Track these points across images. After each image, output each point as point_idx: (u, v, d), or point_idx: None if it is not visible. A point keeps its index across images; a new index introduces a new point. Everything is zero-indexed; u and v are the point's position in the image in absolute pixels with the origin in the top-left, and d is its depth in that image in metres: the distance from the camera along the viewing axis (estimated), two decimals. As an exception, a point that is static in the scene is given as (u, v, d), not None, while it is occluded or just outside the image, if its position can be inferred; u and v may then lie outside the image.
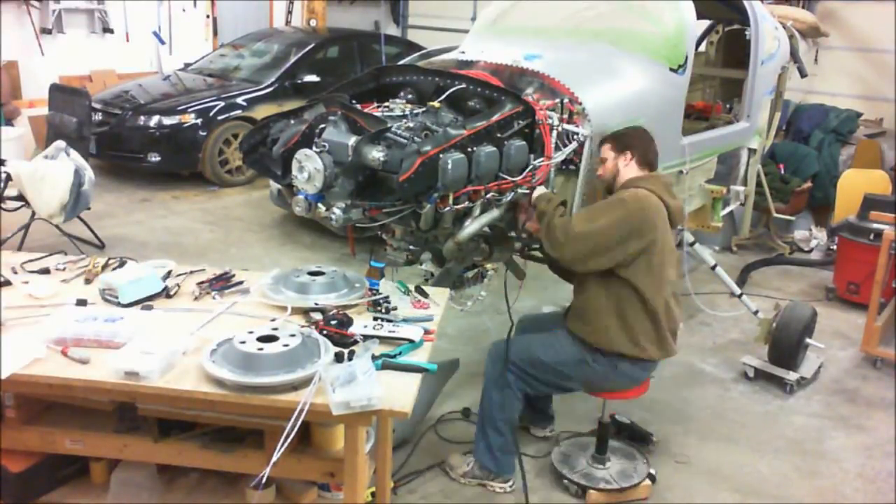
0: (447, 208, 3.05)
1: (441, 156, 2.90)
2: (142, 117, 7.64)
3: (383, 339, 2.50)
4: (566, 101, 3.47)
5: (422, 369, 2.38)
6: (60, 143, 5.59)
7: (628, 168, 3.20)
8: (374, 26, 12.39)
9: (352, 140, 2.90)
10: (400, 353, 2.44)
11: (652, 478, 3.44)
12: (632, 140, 3.23)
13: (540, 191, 3.24)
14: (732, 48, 6.10)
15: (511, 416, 3.27)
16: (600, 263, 2.99)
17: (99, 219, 6.41)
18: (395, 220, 3.12)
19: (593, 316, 3.11)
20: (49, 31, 9.17)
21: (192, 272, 3.00)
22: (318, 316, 2.60)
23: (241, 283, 2.91)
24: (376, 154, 2.88)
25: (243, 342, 2.28)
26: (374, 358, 2.32)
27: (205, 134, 7.73)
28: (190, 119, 7.69)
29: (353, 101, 3.24)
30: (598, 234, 2.96)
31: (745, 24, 4.92)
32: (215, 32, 10.85)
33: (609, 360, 3.12)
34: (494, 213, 3.29)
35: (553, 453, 3.57)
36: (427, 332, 2.59)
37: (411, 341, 2.50)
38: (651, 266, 3.01)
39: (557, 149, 3.38)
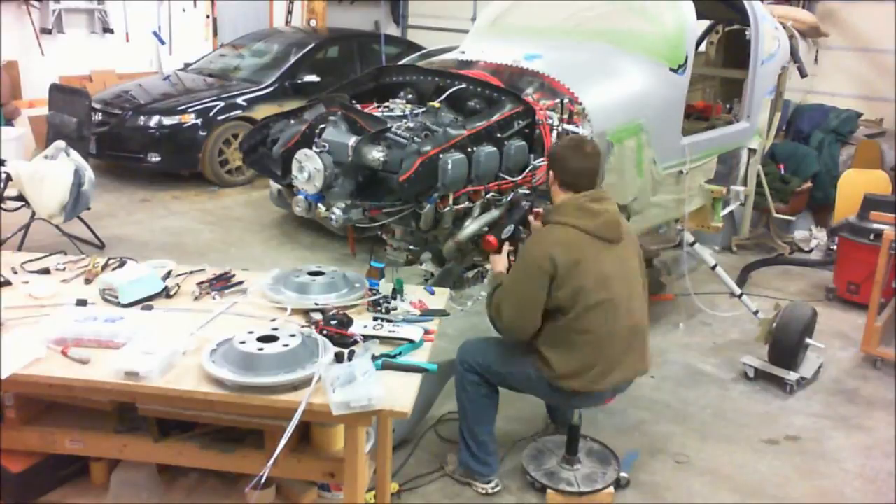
0: (447, 208, 3.05)
1: (441, 156, 2.91)
2: (142, 117, 7.64)
3: (383, 339, 2.50)
4: (566, 101, 3.47)
5: (422, 369, 2.38)
6: (60, 143, 5.59)
7: (554, 189, 3.05)
8: (374, 26, 12.39)
9: (352, 140, 2.91)
10: (400, 353, 2.44)
11: (619, 483, 3.36)
12: (554, 158, 3.04)
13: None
14: (732, 48, 6.10)
15: (485, 419, 3.24)
16: (538, 318, 2.95)
17: (99, 219, 6.41)
18: (395, 220, 3.13)
19: (535, 338, 3.04)
20: (49, 31, 9.17)
21: (192, 272, 3.00)
22: (318, 316, 2.60)
23: (240, 283, 2.91)
24: (376, 154, 2.88)
25: (243, 342, 2.28)
26: (374, 358, 2.32)
27: (205, 134, 7.72)
28: (190, 119, 7.68)
29: (353, 101, 3.25)
30: (522, 307, 2.92)
31: (745, 24, 4.92)
32: (215, 32, 10.84)
33: (548, 382, 3.04)
34: (494, 213, 3.29)
35: (527, 450, 3.52)
36: (427, 332, 2.59)
37: (411, 341, 2.50)
38: (563, 297, 2.90)
39: (557, 149, 3.38)
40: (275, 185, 6.05)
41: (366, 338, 2.48)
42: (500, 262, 3.15)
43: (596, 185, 3.06)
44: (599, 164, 3.07)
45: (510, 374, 3.14)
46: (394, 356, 2.42)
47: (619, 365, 3.02)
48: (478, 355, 3.20)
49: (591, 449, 3.55)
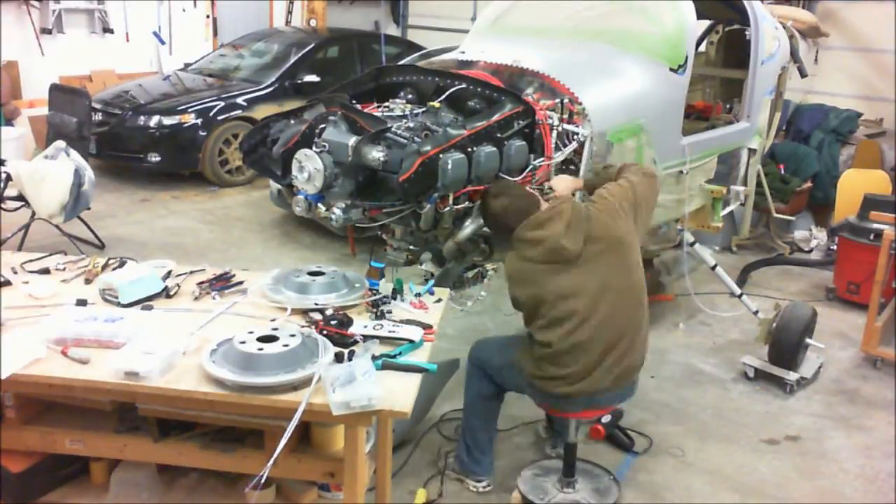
0: (447, 208, 3.05)
1: (441, 156, 2.90)
2: (142, 117, 7.64)
3: (383, 339, 2.50)
4: (566, 101, 3.47)
5: (422, 369, 2.38)
6: (60, 143, 5.59)
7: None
8: (374, 26, 12.38)
9: (352, 140, 2.90)
10: (400, 353, 2.44)
11: None
12: (499, 229, 3.05)
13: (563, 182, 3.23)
14: (732, 48, 6.10)
15: (484, 418, 3.28)
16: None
17: (99, 219, 6.41)
18: (395, 220, 3.12)
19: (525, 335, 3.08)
20: (49, 31, 9.17)
21: (192, 272, 3.00)
22: (318, 316, 2.60)
23: (241, 283, 2.91)
24: (376, 154, 2.88)
25: (243, 342, 2.28)
26: (374, 358, 2.33)
27: (205, 134, 7.72)
28: (190, 119, 7.68)
29: (353, 101, 3.24)
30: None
31: (745, 24, 4.92)
32: (215, 32, 10.85)
33: (527, 380, 3.05)
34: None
35: (525, 469, 3.42)
36: (427, 332, 2.59)
37: (411, 341, 2.50)
38: (525, 311, 2.97)
39: (557, 149, 3.38)
40: (275, 185, 6.03)
41: (366, 338, 2.48)
42: (562, 184, 3.21)
43: (526, 211, 2.93)
44: (513, 187, 3.06)
45: (504, 367, 3.17)
46: (394, 356, 2.42)
47: (587, 376, 2.91)
48: (483, 351, 3.29)
49: (603, 486, 3.36)
